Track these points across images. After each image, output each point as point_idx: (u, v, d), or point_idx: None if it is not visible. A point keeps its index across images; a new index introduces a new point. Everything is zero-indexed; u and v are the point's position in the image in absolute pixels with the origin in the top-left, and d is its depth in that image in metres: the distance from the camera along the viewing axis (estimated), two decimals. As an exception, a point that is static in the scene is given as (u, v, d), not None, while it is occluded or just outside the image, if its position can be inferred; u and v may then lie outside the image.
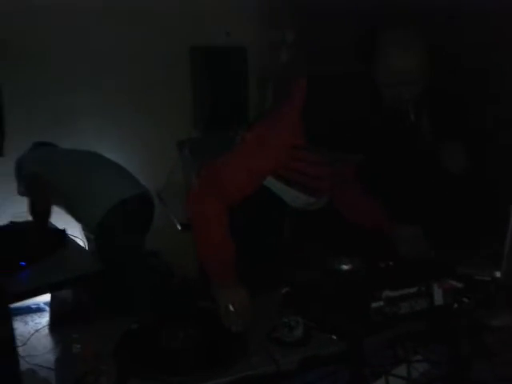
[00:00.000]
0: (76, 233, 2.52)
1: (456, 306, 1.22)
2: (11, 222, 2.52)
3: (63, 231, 2.42)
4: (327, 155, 1.44)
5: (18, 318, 3.20)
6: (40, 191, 2.46)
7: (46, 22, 3.07)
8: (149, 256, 3.12)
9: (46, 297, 3.01)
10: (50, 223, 2.63)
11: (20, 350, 2.61)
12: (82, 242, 2.53)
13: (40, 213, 2.44)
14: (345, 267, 1.32)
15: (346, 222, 1.85)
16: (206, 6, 3.43)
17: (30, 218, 2.58)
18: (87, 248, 2.64)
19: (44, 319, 3.19)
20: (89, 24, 3.20)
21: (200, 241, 1.45)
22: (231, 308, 1.33)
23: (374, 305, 1.10)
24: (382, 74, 1.34)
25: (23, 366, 2.61)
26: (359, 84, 1.37)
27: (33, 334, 2.95)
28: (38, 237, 2.31)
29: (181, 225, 2.61)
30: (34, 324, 3.17)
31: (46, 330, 3.07)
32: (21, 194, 2.56)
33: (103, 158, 2.65)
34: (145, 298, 2.36)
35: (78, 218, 2.50)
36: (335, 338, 1.22)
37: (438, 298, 1.18)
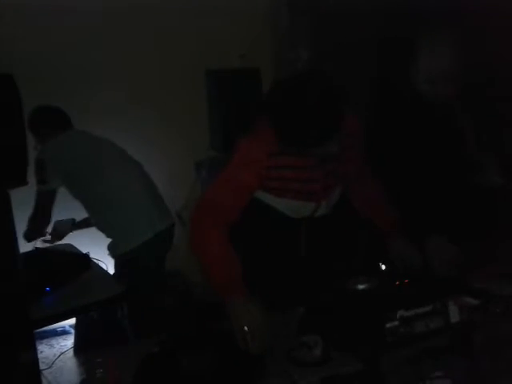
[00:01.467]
0: (99, 256, 2.56)
1: (473, 321, 1.21)
2: (36, 248, 2.59)
3: (87, 255, 2.46)
4: (304, 154, 1.46)
5: (44, 341, 3.26)
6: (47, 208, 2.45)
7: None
8: (168, 276, 3.16)
9: (72, 320, 3.06)
10: (74, 247, 2.70)
11: (46, 372, 2.66)
12: (104, 265, 2.57)
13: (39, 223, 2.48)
14: (360, 287, 1.32)
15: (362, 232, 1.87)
16: (220, 29, 3.52)
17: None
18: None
19: (69, 342, 3.25)
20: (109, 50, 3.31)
21: (203, 261, 1.47)
22: (246, 329, 1.32)
23: (388, 325, 1.10)
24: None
25: (49, 389, 2.65)
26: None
27: (58, 357, 2.99)
28: (62, 262, 2.36)
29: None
30: (60, 347, 3.23)
31: (72, 353, 3.11)
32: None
33: (140, 167, 2.62)
34: (166, 320, 2.39)
35: (109, 235, 2.53)
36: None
37: (454, 315, 1.17)
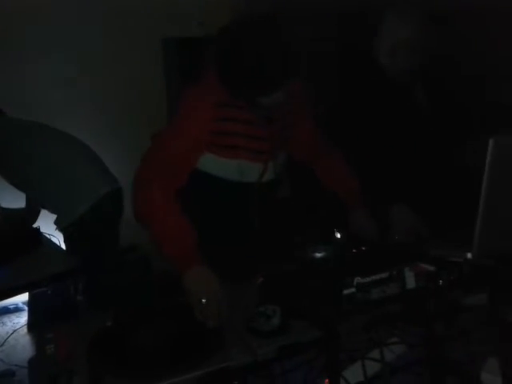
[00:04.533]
0: (50, 230, 2.47)
1: (429, 288, 1.23)
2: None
3: (37, 229, 2.37)
4: (252, 105, 1.43)
5: (-4, 319, 3.16)
6: None
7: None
8: (127, 251, 3.09)
9: (24, 296, 2.97)
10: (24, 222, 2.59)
11: (-3, 350, 2.58)
12: (56, 240, 2.48)
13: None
14: (318, 255, 1.32)
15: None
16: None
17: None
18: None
19: (22, 319, 3.16)
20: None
21: (153, 228, 1.42)
22: (203, 301, 1.29)
23: (345, 291, 1.10)
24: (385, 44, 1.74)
25: (1, 366, 2.58)
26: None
27: (11, 334, 2.91)
28: (11, 236, 2.26)
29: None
30: (13, 324, 3.13)
31: (25, 330, 3.03)
32: None
33: (79, 142, 2.53)
34: (122, 294, 2.34)
35: (52, 210, 2.44)
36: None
37: (410, 281, 1.19)
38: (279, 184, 1.69)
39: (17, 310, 3.25)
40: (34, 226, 2.46)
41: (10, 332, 2.95)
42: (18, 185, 2.45)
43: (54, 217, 2.45)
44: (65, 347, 1.20)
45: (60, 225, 2.34)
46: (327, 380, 1.14)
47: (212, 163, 1.52)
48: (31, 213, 2.54)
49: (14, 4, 3.04)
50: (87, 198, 2.31)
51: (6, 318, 3.17)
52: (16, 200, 2.60)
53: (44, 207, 2.49)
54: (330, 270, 1.25)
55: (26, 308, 3.13)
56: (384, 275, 1.15)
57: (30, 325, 3.02)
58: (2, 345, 2.79)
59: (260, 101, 1.41)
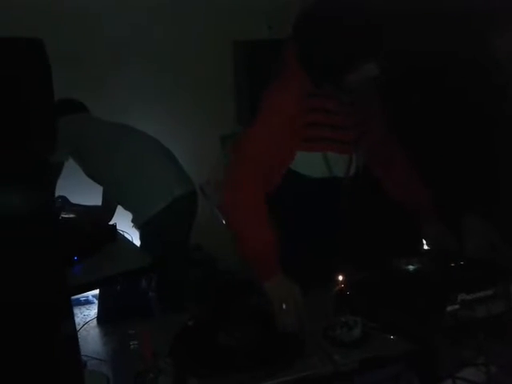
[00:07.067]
0: (126, 228, 2.55)
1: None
2: (62, 218, 2.57)
3: (113, 226, 2.45)
4: (340, 88, 1.40)
5: (68, 310, 3.29)
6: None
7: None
8: (193, 250, 3.15)
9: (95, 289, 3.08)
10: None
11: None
12: (130, 237, 2.55)
13: None
14: (411, 267, 1.27)
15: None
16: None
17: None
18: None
19: (92, 311, 3.27)
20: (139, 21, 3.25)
21: (238, 234, 1.42)
22: (284, 307, 1.29)
23: (449, 308, 1.05)
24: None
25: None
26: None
27: (82, 326, 3.02)
28: (88, 231, 2.35)
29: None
30: (83, 316, 3.25)
31: (95, 322, 3.14)
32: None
33: (158, 142, 2.59)
34: (192, 292, 2.38)
35: (128, 207, 2.53)
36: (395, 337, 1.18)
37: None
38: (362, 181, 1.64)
39: (87, 302, 3.37)
40: (111, 222, 2.53)
41: (81, 324, 3.06)
42: (97, 177, 2.52)
43: (128, 214, 2.54)
44: (150, 344, 1.22)
45: (137, 223, 2.41)
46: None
47: (302, 160, 1.49)
48: (107, 210, 2.62)
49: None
50: (162, 199, 2.37)
51: (77, 310, 3.29)
52: (90, 198, 2.72)
53: (120, 203, 2.57)
54: (431, 284, 1.19)
55: (96, 301, 3.25)
56: (489, 292, 1.09)
57: (100, 318, 3.13)
58: (75, 335, 2.90)
59: (347, 80, 1.36)
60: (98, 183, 2.57)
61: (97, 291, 3.09)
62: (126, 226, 2.56)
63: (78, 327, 3.02)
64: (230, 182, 1.47)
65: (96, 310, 3.19)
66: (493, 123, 1.82)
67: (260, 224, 1.40)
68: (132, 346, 1.26)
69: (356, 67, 1.33)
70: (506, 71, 1.74)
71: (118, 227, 2.49)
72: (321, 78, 1.40)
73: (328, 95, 1.44)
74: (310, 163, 1.49)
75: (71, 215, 2.56)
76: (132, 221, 2.42)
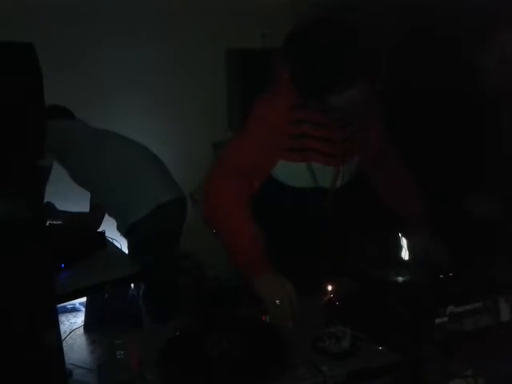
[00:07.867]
0: (114, 235, 2.52)
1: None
2: (49, 225, 2.55)
3: (102, 233, 2.43)
4: (325, 107, 1.41)
5: (54, 317, 3.25)
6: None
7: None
8: (182, 258, 3.12)
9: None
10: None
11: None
12: (118, 244, 2.53)
13: None
14: (401, 279, 1.27)
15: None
16: (242, 8, 3.43)
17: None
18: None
19: (79, 319, 3.24)
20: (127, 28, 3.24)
21: (223, 235, 1.44)
22: (278, 302, 1.30)
23: (437, 321, 1.04)
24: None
25: (60, 365, 2.63)
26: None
27: (69, 334, 2.98)
28: (76, 238, 2.32)
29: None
30: (70, 324, 3.21)
31: (81, 330, 3.10)
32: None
33: (145, 149, 2.57)
34: (180, 301, 2.35)
35: (111, 213, 2.50)
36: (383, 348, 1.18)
37: (505, 313, 1.11)
38: (352, 191, 1.65)
39: (74, 310, 3.34)
40: (99, 230, 2.51)
41: (68, 331, 3.02)
42: (83, 183, 2.50)
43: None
44: (137, 354, 1.20)
45: (121, 230, 2.39)
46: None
47: (285, 170, 1.51)
48: (95, 216, 2.60)
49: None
50: (145, 206, 2.34)
51: (63, 317, 3.26)
52: (77, 205, 2.69)
53: (105, 210, 2.54)
54: (420, 296, 1.19)
55: (83, 309, 3.21)
56: (478, 305, 1.09)
57: (86, 326, 3.09)
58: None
59: (332, 101, 1.37)
60: (85, 189, 2.54)
61: (84, 299, 3.06)
62: (115, 233, 2.54)
63: (64, 335, 2.99)
64: (210, 186, 1.49)
65: (83, 318, 3.15)
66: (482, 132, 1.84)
67: (243, 226, 1.41)
68: (119, 356, 1.25)
69: (337, 92, 1.34)
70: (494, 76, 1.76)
71: (107, 234, 2.47)
72: (306, 97, 1.42)
73: (317, 108, 1.45)
74: (293, 173, 1.51)
75: (58, 222, 2.54)
76: (117, 228, 2.40)
